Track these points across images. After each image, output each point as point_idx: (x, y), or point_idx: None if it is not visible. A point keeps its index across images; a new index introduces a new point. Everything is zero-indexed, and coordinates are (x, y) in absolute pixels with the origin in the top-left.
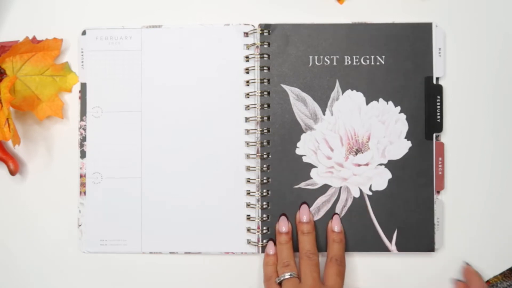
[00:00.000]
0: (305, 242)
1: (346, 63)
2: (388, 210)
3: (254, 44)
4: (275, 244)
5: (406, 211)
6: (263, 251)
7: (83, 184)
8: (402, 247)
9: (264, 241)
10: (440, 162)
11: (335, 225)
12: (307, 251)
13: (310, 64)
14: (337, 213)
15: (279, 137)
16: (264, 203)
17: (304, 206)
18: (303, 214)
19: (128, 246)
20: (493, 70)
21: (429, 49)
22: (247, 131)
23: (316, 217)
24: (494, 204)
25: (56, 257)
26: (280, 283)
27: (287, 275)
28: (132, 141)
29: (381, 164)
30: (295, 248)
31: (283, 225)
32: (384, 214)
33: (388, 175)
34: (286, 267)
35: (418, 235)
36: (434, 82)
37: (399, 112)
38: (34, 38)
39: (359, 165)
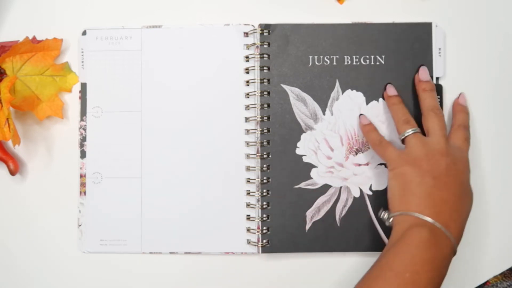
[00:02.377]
0: (429, 99)
1: (346, 63)
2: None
3: (254, 44)
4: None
5: None
6: (263, 251)
7: (83, 184)
8: None
9: (264, 241)
10: None
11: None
12: (433, 107)
13: (310, 64)
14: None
15: (279, 137)
16: (264, 203)
17: (424, 68)
18: (423, 74)
19: (128, 246)
20: (493, 70)
21: (429, 49)
22: (247, 131)
23: (316, 217)
24: (494, 204)
25: (56, 257)
26: (402, 141)
27: (410, 131)
28: (132, 141)
29: (381, 164)
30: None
31: (391, 89)
32: None
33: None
34: (407, 123)
35: None
36: (434, 82)
37: None
38: (34, 38)
39: (359, 165)
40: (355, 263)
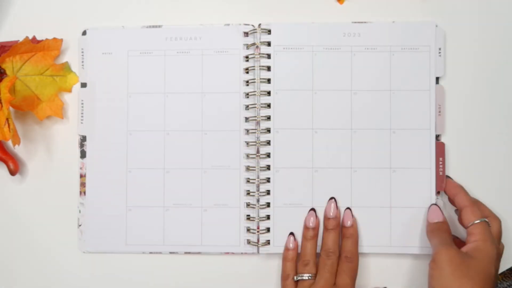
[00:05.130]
0: (327, 239)
1: None
2: None
3: (254, 44)
4: (294, 238)
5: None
6: (263, 251)
7: (83, 184)
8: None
9: (263, 241)
10: (440, 162)
11: (347, 219)
12: (327, 249)
13: None
14: (349, 208)
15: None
16: (264, 203)
17: (331, 201)
18: (329, 210)
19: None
20: (493, 70)
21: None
22: (247, 131)
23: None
24: (494, 204)
25: (56, 257)
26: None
27: (305, 276)
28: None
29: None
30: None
31: (310, 220)
32: None
33: None
34: (305, 266)
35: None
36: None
37: None
38: (34, 38)
39: None
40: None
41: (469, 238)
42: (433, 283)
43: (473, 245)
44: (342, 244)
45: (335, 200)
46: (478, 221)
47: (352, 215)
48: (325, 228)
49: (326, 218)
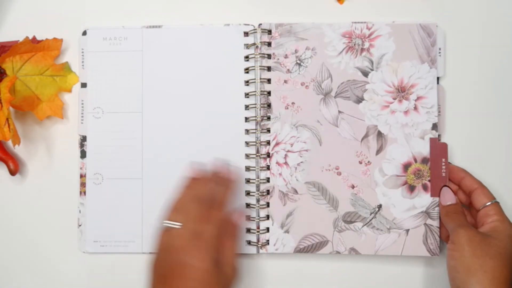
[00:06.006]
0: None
1: None
2: None
3: (254, 44)
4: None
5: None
6: (262, 251)
7: (83, 184)
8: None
9: (263, 241)
10: (443, 163)
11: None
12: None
13: None
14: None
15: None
16: (264, 203)
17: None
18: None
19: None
20: (493, 70)
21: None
22: (247, 131)
23: None
24: None
25: (56, 257)
26: None
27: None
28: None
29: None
30: None
31: (449, 195)
32: None
33: None
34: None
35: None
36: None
37: None
38: (34, 38)
39: None
40: (353, 263)
41: (485, 219)
42: (454, 264)
43: (491, 225)
44: None
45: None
46: (491, 202)
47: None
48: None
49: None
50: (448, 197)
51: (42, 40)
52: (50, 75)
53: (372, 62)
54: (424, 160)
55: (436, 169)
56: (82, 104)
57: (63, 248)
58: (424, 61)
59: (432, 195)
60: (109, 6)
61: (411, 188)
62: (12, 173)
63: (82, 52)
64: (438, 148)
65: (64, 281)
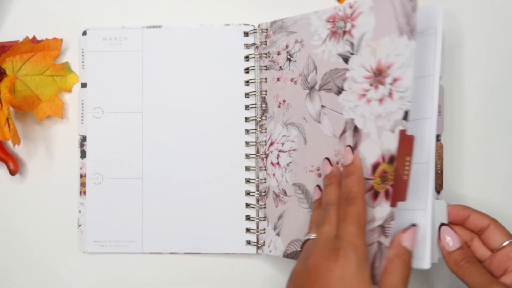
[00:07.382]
0: (325, 195)
1: None
2: None
3: (254, 44)
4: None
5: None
6: (262, 251)
7: (83, 184)
8: None
9: (263, 241)
10: (406, 162)
11: (347, 157)
12: (324, 203)
13: None
14: (349, 145)
15: None
16: (264, 203)
17: (325, 161)
18: (326, 167)
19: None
20: (493, 70)
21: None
22: (247, 131)
23: None
24: (496, 205)
25: (56, 257)
26: None
27: (311, 236)
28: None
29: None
30: None
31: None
32: None
33: None
34: (309, 229)
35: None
36: None
37: None
38: (34, 38)
39: None
40: None
41: (509, 264)
42: None
43: None
44: (342, 187)
45: (329, 160)
46: (509, 241)
47: (353, 152)
48: (324, 187)
49: (324, 177)
50: (452, 239)
51: (42, 40)
52: (50, 75)
53: (352, 45)
54: (391, 159)
55: (399, 170)
56: (82, 104)
57: (63, 248)
58: (403, 32)
59: (391, 205)
60: (109, 6)
61: (375, 195)
62: (12, 173)
63: (82, 52)
64: (405, 143)
65: (64, 281)
